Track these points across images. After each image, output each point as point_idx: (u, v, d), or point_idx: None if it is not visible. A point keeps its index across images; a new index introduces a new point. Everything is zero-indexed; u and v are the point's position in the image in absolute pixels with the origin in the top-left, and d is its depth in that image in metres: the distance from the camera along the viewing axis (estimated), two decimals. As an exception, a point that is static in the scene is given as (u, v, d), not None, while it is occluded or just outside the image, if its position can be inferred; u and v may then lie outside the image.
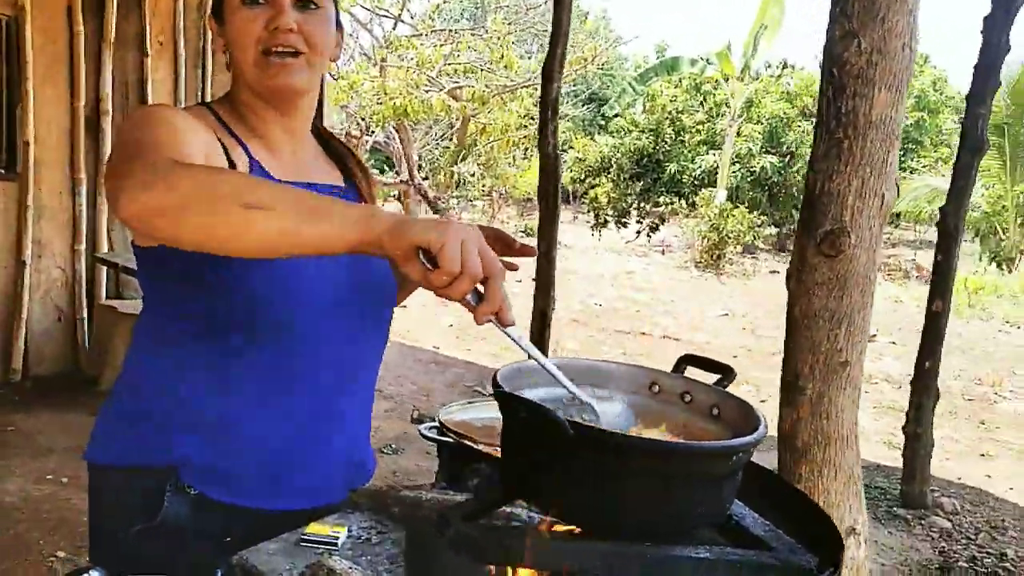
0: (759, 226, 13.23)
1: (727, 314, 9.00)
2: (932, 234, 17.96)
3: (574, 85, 17.83)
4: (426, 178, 15.99)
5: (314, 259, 1.06)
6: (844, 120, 1.63)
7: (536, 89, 16.21)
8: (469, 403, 1.86)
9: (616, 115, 18.81)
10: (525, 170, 17.17)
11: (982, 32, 4.03)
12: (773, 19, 14.78)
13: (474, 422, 1.68)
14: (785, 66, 16.90)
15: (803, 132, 17.27)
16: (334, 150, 1.30)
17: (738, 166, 16.64)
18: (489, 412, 1.82)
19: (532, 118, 15.43)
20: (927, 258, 15.34)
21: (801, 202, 1.77)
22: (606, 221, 17.40)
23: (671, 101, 18.44)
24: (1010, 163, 14.02)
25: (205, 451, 1.12)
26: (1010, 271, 13.23)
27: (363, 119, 13.46)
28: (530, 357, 1.02)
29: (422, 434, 1.61)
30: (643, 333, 7.77)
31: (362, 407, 1.31)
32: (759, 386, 6.39)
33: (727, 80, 16.39)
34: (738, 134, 16.68)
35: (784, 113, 17.29)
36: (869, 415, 5.61)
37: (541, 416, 0.91)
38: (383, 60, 12.19)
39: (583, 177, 18.84)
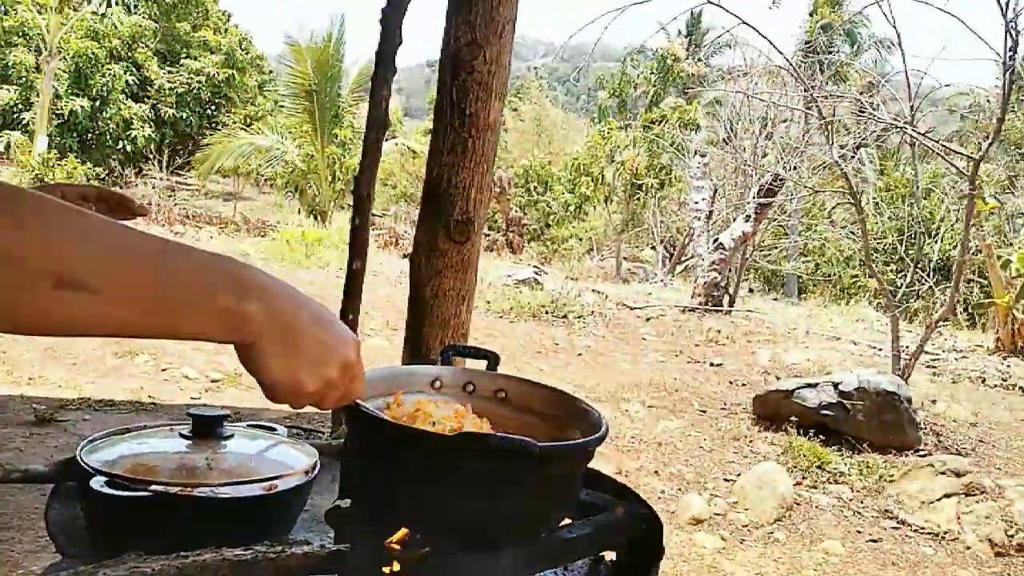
0: (94, 177, 12.10)
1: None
2: (249, 189, 19.03)
3: None
4: None
5: None
6: (468, 122, 1.82)
7: None
8: (106, 435, 1.52)
9: None
10: None
11: (380, 22, 4.60)
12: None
13: (154, 460, 1.40)
14: (109, 3, 15.52)
15: (113, 76, 16.29)
16: None
17: (47, 108, 14.75)
18: (148, 442, 1.51)
19: None
20: (246, 210, 16.39)
21: (423, 193, 1.90)
22: None
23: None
24: (319, 126, 15.93)
25: None
26: (324, 223, 15.20)
27: None
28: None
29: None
30: None
31: None
32: (155, 354, 6.09)
33: (42, 12, 14.23)
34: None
35: (92, 52, 15.96)
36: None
37: (510, 446, 0.92)
38: None
39: None
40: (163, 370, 5.91)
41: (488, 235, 16.73)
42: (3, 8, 16.16)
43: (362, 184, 4.78)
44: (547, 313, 9.63)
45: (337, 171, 15.40)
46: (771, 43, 7.54)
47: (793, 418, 5.50)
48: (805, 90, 8.42)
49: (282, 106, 17.65)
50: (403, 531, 1.21)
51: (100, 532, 1.31)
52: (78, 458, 1.32)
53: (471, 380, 1.36)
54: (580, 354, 8.04)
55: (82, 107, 15.68)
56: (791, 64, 8.96)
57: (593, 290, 11.53)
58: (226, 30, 20.49)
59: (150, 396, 5.28)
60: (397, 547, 1.18)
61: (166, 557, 1.21)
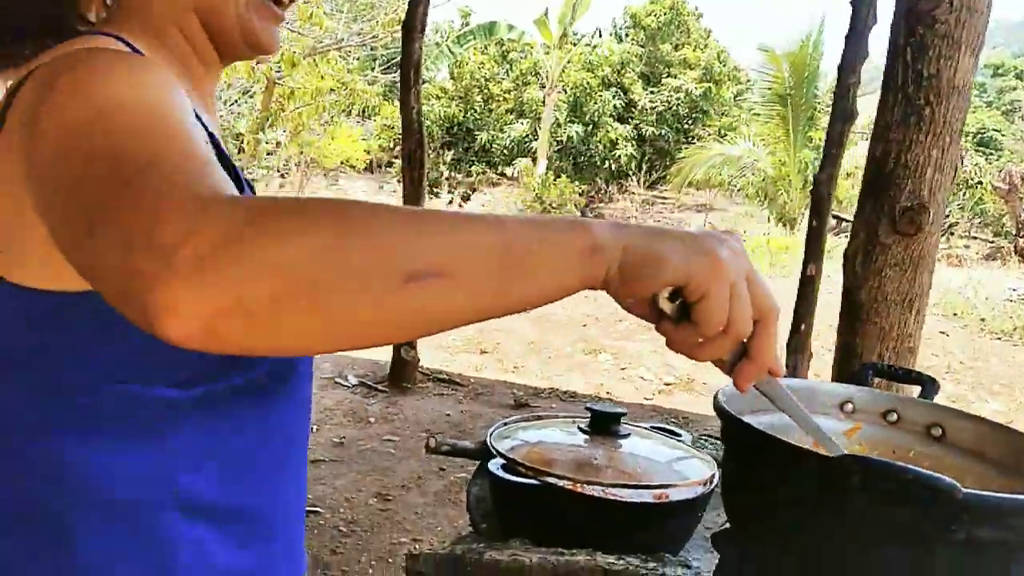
0: (581, 195, 13.59)
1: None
2: (721, 200, 19.29)
3: (384, 49, 17.14)
4: (224, 146, 14.70)
5: None
6: (926, 85, 1.49)
7: (347, 52, 15.49)
8: (517, 421, 1.56)
9: (424, 81, 18.52)
10: (333, 137, 16.29)
11: (851, 4, 4.20)
12: (586, -12, 15.11)
13: (551, 451, 1.38)
14: (599, 34, 17.39)
15: (603, 101, 17.94)
16: None
17: (547, 135, 16.99)
18: (550, 432, 1.52)
19: (343, 83, 14.70)
20: (718, 221, 16.59)
21: (864, 175, 1.62)
22: (419, 191, 17.08)
23: (479, 68, 18.37)
24: (792, 131, 15.41)
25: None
26: (793, 230, 14.64)
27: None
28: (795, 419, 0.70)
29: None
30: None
31: None
32: (616, 354, 6.49)
33: (547, 52, 16.60)
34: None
35: (587, 83, 17.85)
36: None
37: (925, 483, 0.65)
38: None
39: (392, 146, 18.29)
40: (622, 369, 6.24)
41: (992, 241, 14.20)
42: (523, 53, 19.11)
43: (821, 182, 4.41)
44: (1071, 337, 7.75)
45: (808, 176, 14.67)
46: None
47: None
48: None
49: (756, 114, 17.51)
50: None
51: (500, 513, 1.36)
52: (487, 440, 1.39)
53: (895, 408, 1.08)
54: (1121, 392, 6.27)
55: (576, 132, 17.64)
56: None
57: None
58: (705, 46, 21.07)
59: (608, 392, 5.62)
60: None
61: (545, 550, 1.19)
